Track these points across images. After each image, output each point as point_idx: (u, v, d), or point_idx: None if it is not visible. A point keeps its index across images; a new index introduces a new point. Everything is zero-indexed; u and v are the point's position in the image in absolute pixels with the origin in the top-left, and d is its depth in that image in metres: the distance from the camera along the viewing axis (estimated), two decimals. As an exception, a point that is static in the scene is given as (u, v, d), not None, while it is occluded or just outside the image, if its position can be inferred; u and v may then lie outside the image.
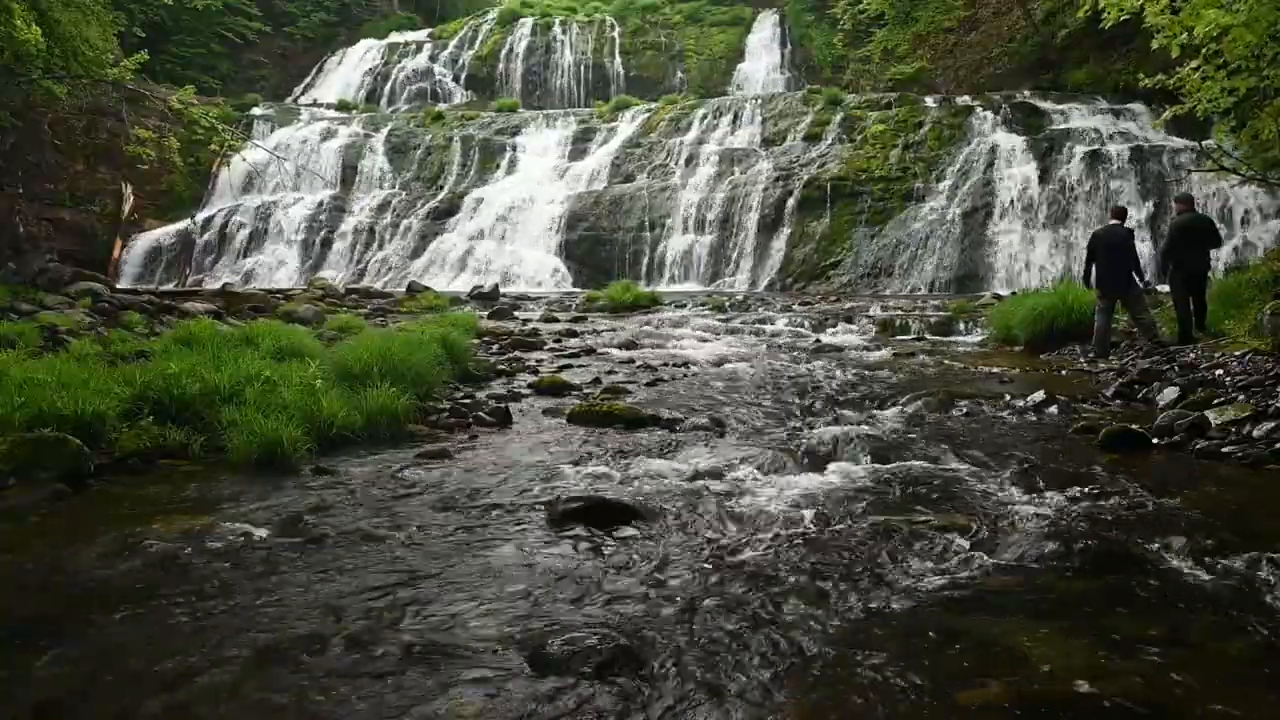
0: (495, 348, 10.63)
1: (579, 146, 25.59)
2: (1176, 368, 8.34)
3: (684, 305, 16.60)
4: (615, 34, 33.68)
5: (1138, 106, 21.42)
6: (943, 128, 22.10)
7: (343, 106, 30.36)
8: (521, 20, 34.48)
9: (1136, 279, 9.93)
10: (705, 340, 11.98)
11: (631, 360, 9.85)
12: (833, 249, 20.16)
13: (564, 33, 33.67)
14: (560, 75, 32.90)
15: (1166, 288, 10.62)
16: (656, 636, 3.05)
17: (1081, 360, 9.71)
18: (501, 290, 18.72)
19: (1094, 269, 9.98)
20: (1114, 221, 10.25)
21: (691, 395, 7.79)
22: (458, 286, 19.92)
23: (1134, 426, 6.04)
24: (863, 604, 3.35)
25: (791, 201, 21.06)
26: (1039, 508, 4.41)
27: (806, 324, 13.56)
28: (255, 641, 3.02)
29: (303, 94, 33.90)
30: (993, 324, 11.87)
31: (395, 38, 36.14)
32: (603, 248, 21.79)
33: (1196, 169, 16.49)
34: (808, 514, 4.41)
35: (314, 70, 35.26)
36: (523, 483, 5.00)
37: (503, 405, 6.97)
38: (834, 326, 13.36)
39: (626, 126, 25.91)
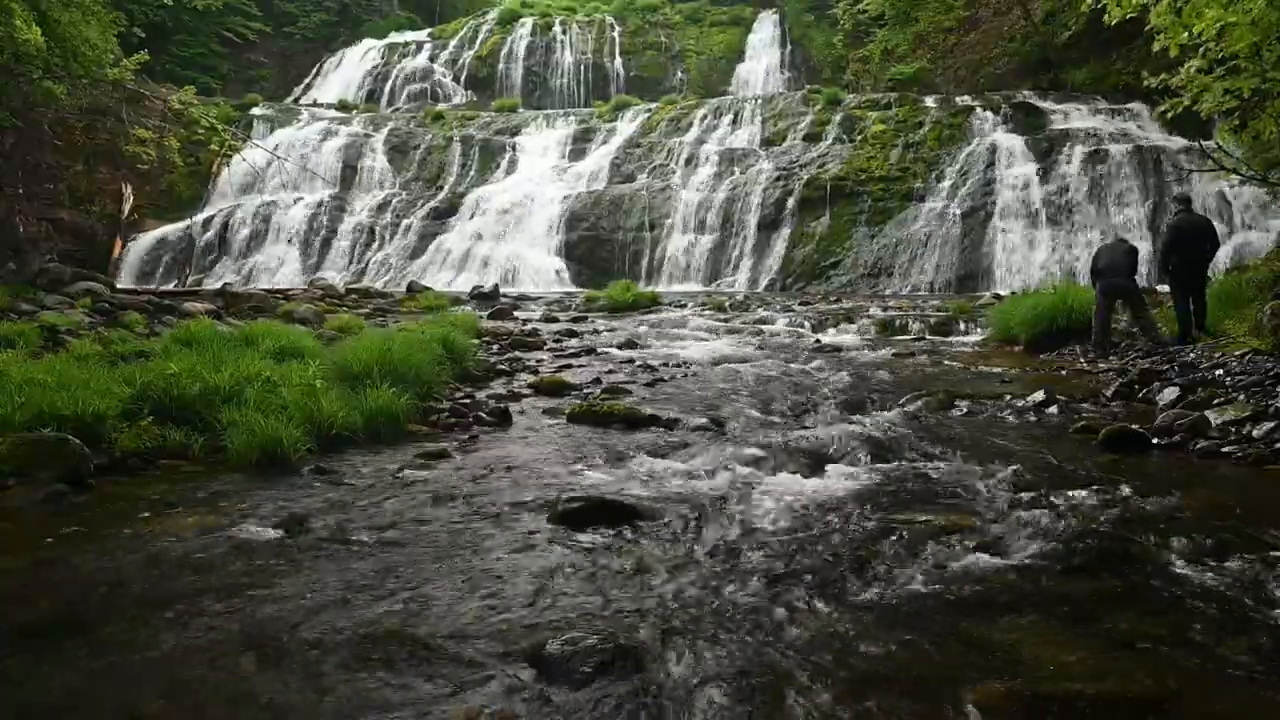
0: (495, 348, 10.62)
1: (579, 146, 25.59)
2: (1176, 368, 8.34)
3: (684, 305, 16.58)
4: (615, 34, 33.69)
5: (1138, 106, 21.45)
6: (943, 128, 22.10)
7: (343, 107, 30.35)
8: (521, 20, 34.50)
9: (1135, 280, 10.25)
10: (705, 340, 11.96)
11: (631, 360, 9.84)
12: (833, 249, 20.16)
13: (564, 33, 33.68)
14: (560, 75, 32.90)
15: (1167, 288, 10.69)
16: (657, 637, 3.05)
17: (1081, 360, 9.70)
18: (501, 290, 18.71)
19: (1099, 272, 10.18)
20: (1116, 241, 10.97)
21: (691, 395, 7.79)
22: (458, 286, 19.92)
23: (1134, 427, 6.04)
24: (863, 604, 3.35)
25: (791, 201, 21.07)
26: (1039, 508, 4.41)
27: (806, 324, 13.56)
28: (256, 641, 3.03)
29: (303, 94, 33.91)
30: (993, 324, 11.86)
31: (395, 38, 36.17)
32: (603, 248, 21.79)
33: (1197, 169, 16.49)
34: (807, 514, 4.41)
35: (314, 70, 35.28)
36: (523, 483, 5.00)
37: (503, 405, 6.97)
38: (834, 326, 13.35)
39: (626, 126, 25.90)
